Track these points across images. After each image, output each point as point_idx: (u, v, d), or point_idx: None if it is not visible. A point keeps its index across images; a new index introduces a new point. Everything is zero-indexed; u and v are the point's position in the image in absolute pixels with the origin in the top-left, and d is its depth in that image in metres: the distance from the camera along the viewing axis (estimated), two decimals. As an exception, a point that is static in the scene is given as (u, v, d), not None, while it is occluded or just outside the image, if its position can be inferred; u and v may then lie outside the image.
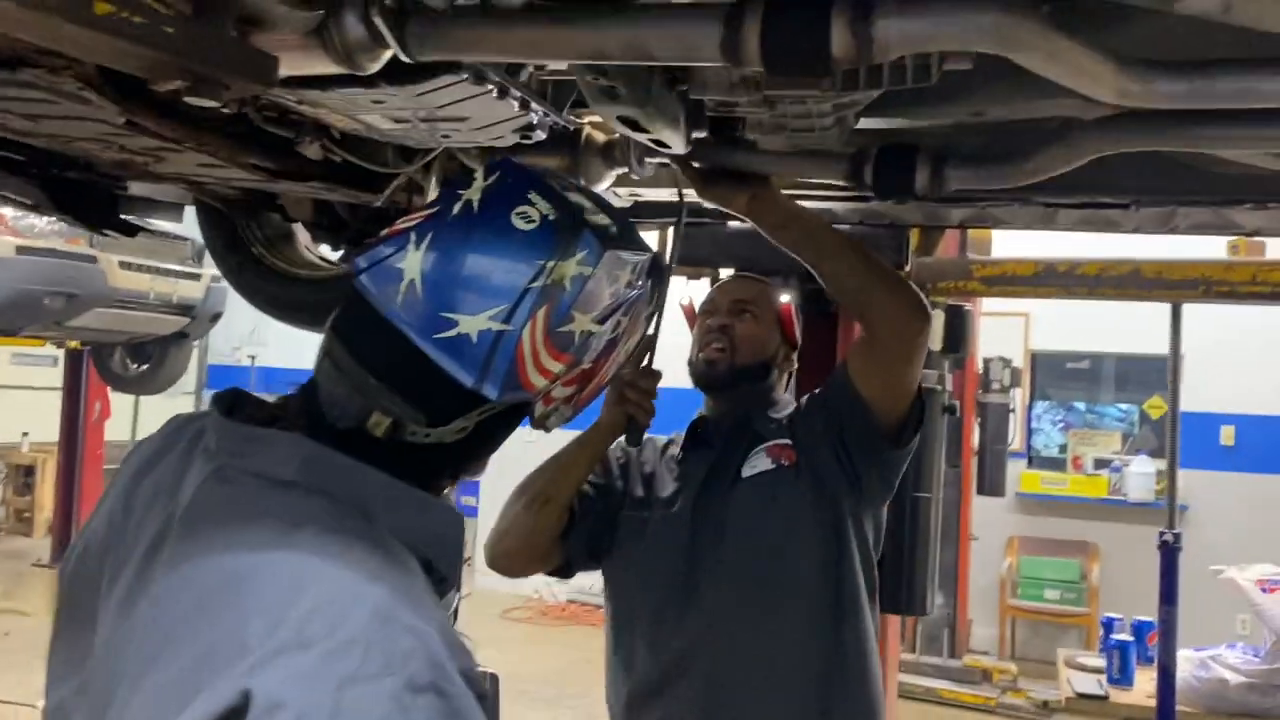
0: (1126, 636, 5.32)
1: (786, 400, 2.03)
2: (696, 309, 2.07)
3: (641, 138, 1.52)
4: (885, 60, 1.01)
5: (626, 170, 1.75)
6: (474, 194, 0.96)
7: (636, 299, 1.03)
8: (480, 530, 9.20)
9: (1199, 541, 5.91)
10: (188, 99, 1.02)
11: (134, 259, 6.70)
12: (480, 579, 8.94)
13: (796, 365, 2.09)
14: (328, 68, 1.17)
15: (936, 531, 2.88)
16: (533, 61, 1.12)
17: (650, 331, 1.58)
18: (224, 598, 0.80)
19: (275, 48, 1.12)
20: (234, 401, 1.00)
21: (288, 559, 0.81)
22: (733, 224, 2.74)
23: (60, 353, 9.13)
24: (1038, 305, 7.39)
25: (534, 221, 0.94)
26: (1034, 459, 8.03)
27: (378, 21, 1.10)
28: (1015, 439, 7.22)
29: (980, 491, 6.45)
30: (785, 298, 2.05)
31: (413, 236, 0.95)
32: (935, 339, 2.90)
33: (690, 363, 2.02)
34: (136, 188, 2.31)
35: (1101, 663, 5.40)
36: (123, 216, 2.24)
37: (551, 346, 0.95)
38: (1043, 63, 1.07)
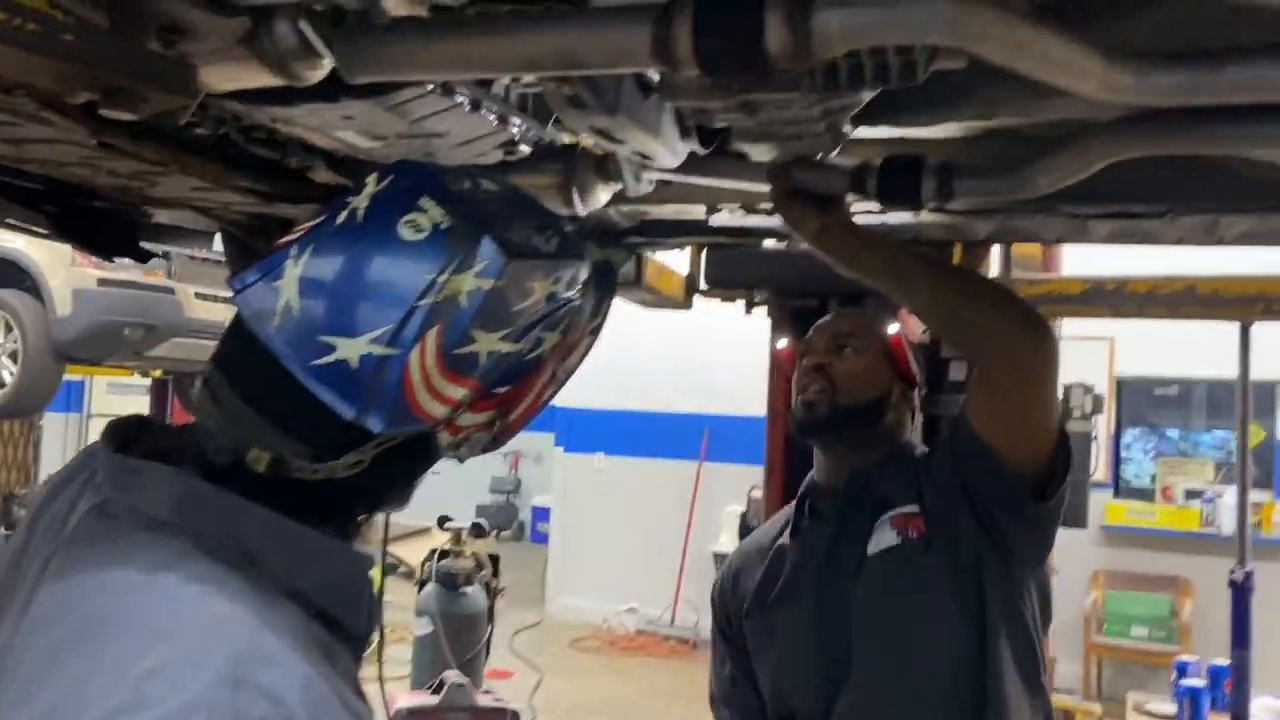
0: (1200, 681, 4.98)
1: (914, 449, 1.74)
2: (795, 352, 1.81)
3: (623, 150, 1.45)
4: (829, 56, 0.92)
5: (623, 187, 1.67)
6: (361, 201, 0.88)
7: (566, 312, 0.92)
8: (552, 559, 9.18)
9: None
10: (104, 111, 0.99)
11: (209, 290, 6.85)
12: (550, 607, 8.91)
13: (920, 405, 1.81)
14: (265, 79, 1.12)
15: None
16: (465, 77, 1.06)
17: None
18: (75, 648, 0.73)
19: (206, 59, 1.08)
20: (136, 430, 0.93)
21: (144, 608, 0.74)
22: (769, 244, 2.65)
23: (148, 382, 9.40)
24: (1122, 329, 7.10)
25: (423, 230, 0.84)
26: (1121, 489, 7.68)
27: (307, 30, 1.05)
28: (1099, 468, 6.92)
29: (1062, 524, 6.19)
30: (895, 328, 1.77)
31: (293, 251, 0.86)
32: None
33: (790, 412, 1.76)
34: (164, 215, 2.32)
35: (1172, 710, 5.07)
36: (143, 244, 2.24)
37: (448, 370, 0.85)
38: (1011, 56, 0.96)
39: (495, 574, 4.63)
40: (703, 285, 2.69)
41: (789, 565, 1.73)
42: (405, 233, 0.84)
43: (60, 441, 12.21)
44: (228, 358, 0.90)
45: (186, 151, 1.57)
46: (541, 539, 10.97)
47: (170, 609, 0.75)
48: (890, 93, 1.35)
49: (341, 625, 0.85)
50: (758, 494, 5.32)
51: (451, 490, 11.26)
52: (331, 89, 1.34)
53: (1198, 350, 6.76)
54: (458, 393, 0.86)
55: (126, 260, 6.74)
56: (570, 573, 8.95)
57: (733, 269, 2.68)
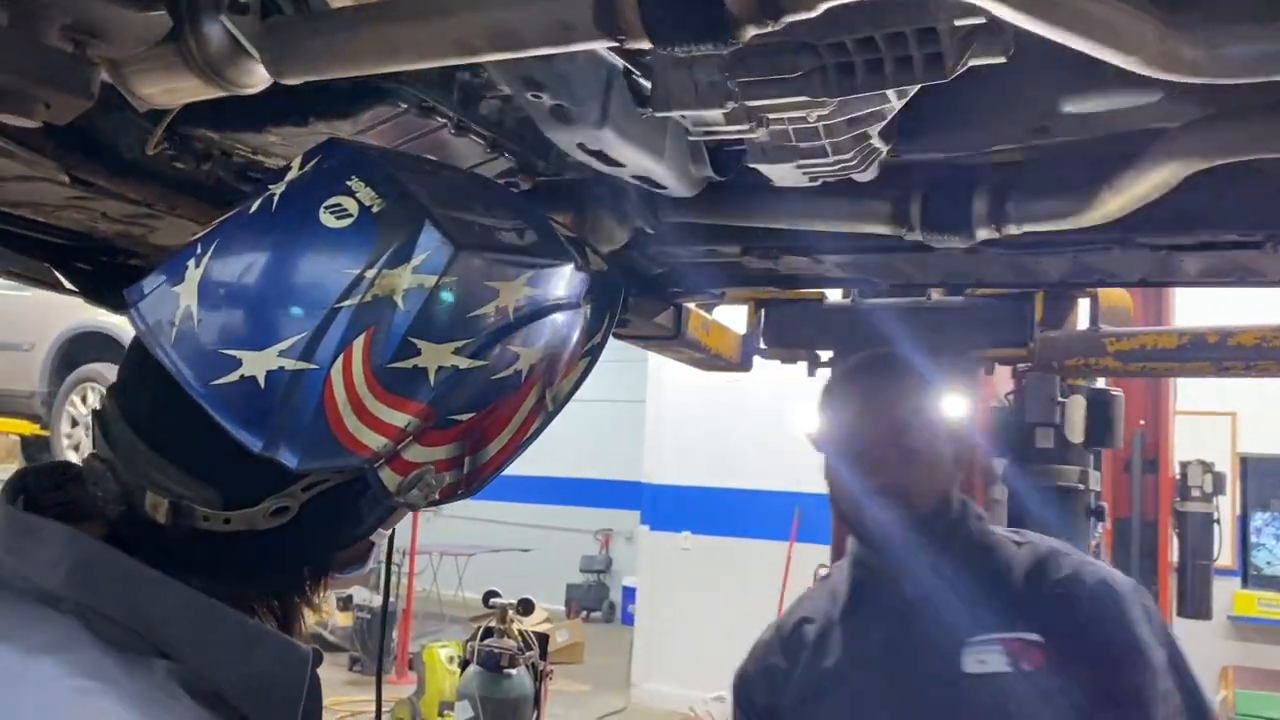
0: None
1: (1004, 548, 1.48)
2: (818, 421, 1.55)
3: (624, 175, 1.30)
4: (806, 11, 0.75)
5: (641, 225, 1.52)
6: (278, 187, 0.73)
7: (550, 325, 0.76)
8: (638, 642, 8.90)
9: None
10: (-2, 117, 0.88)
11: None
12: (635, 692, 8.60)
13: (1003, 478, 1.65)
14: (200, 88, 1.01)
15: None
16: (399, 67, 0.92)
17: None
18: None
19: (132, 65, 0.97)
20: (53, 480, 0.77)
21: (10, 702, 0.60)
22: (833, 298, 2.46)
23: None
24: (1245, 402, 6.67)
25: (349, 216, 0.69)
26: (1250, 578, 7.09)
27: (230, 25, 0.93)
28: (1223, 553, 6.40)
29: (1182, 614, 5.70)
30: (956, 394, 1.60)
31: (196, 249, 0.71)
32: (1076, 430, 2.50)
33: (845, 517, 1.52)
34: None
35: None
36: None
37: (384, 390, 0.68)
38: (1052, 21, 0.78)
39: (543, 655, 4.36)
40: (761, 344, 2.50)
41: (843, 659, 1.50)
42: (327, 219, 0.69)
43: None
44: (123, 384, 0.75)
45: (174, 191, 1.48)
46: (633, 620, 10.70)
47: (40, 708, 0.60)
48: (928, 108, 1.18)
49: None
50: (824, 571, 5.02)
51: (542, 569, 11.15)
52: (299, 109, 1.24)
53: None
54: (398, 418, 0.69)
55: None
56: (657, 657, 8.64)
57: (793, 326, 2.48)
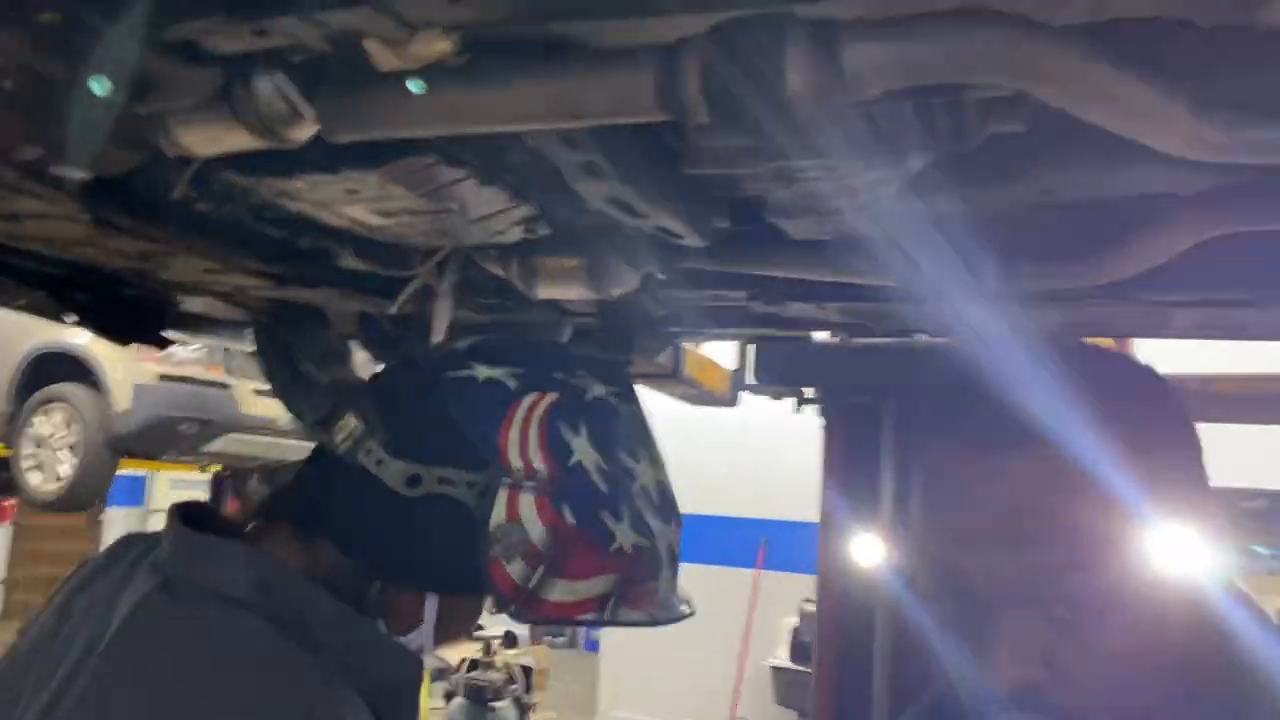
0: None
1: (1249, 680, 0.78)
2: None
3: (646, 225, 1.33)
4: (861, 97, 0.79)
5: (652, 270, 1.55)
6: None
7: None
8: (603, 669, 8.86)
9: None
10: (53, 169, 0.89)
11: (266, 386, 6.85)
12: (600, 720, 8.57)
13: None
14: (247, 141, 1.02)
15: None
16: (457, 132, 0.95)
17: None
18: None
19: (180, 118, 0.99)
20: (199, 513, 0.95)
21: (211, 700, 0.77)
22: (819, 336, 2.50)
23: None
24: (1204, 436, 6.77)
25: None
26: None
27: (285, 85, 0.95)
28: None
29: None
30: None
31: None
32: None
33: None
34: (193, 303, 2.26)
35: None
36: (166, 333, 2.17)
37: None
38: (1085, 102, 0.82)
39: (528, 688, 4.35)
40: (750, 380, 2.53)
41: None
42: None
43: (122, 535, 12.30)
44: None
45: (192, 230, 1.48)
46: (596, 647, 10.65)
47: (239, 700, 0.78)
48: (942, 164, 1.22)
49: None
50: (810, 607, 5.00)
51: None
52: (329, 157, 1.25)
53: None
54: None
55: (188, 356, 6.81)
56: (622, 684, 8.61)
57: (782, 363, 2.52)
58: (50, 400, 6.63)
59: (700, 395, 2.47)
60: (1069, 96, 0.80)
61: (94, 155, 0.89)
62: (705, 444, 7.12)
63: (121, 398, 6.55)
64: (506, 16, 0.75)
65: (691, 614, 1.04)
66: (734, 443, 7.47)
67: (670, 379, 2.16)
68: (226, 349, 6.67)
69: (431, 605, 0.93)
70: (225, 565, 0.85)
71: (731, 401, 2.57)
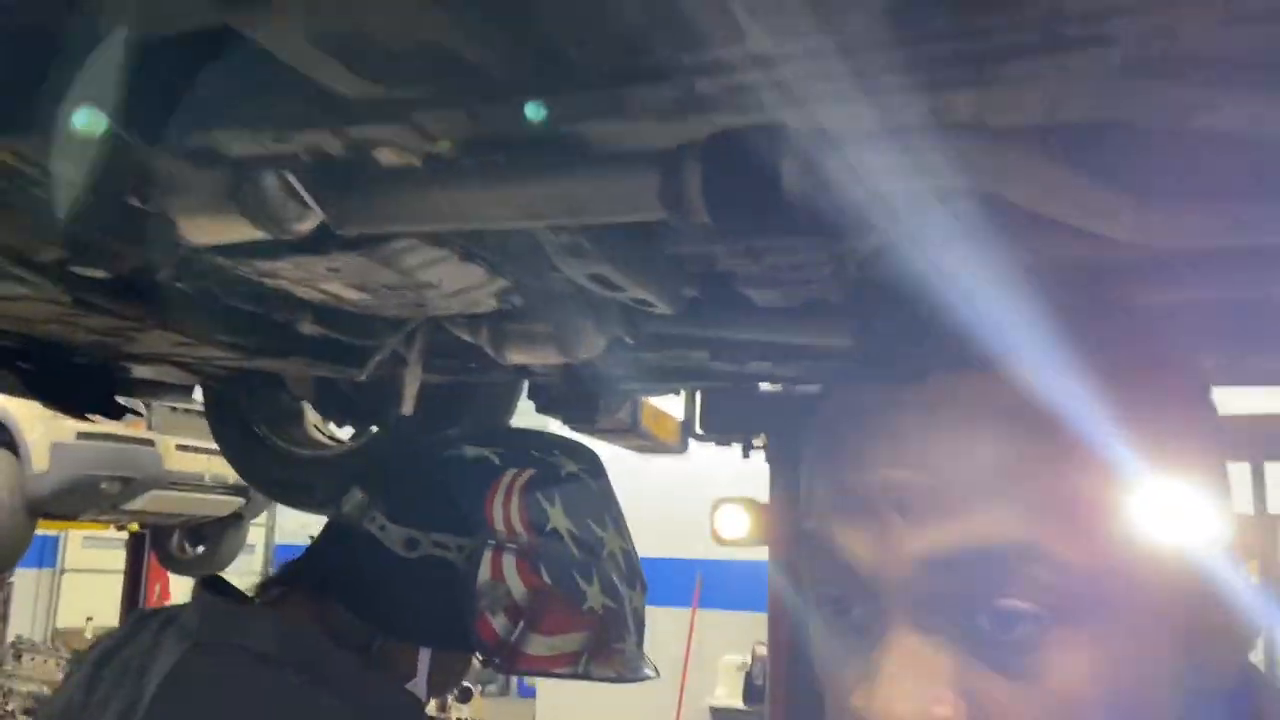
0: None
1: None
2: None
3: (621, 297, 1.39)
4: (848, 199, 0.87)
5: (620, 335, 1.61)
6: None
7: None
8: (540, 715, 8.79)
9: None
10: (75, 269, 0.92)
11: (190, 441, 6.73)
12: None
13: None
14: (250, 233, 1.06)
15: None
16: (463, 228, 1.01)
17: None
18: None
19: (189, 214, 1.03)
20: (218, 586, 1.07)
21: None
22: (766, 387, 2.58)
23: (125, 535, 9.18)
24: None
25: None
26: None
27: (293, 182, 0.99)
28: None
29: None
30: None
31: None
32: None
33: None
34: (143, 370, 2.25)
35: None
36: (118, 399, 2.16)
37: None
38: (1040, 199, 0.92)
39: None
40: (698, 429, 2.61)
41: None
42: None
43: (31, 599, 11.82)
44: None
45: (167, 308, 1.50)
46: (530, 693, 10.56)
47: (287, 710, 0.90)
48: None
49: None
50: (762, 650, 5.05)
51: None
52: (320, 241, 1.29)
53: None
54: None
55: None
56: (560, 728, 8.57)
57: (730, 412, 2.60)
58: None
59: (652, 445, 2.54)
60: (1030, 196, 0.89)
61: (115, 255, 0.92)
62: (638, 484, 7.16)
63: (38, 459, 6.36)
64: (522, 133, 0.81)
65: (656, 677, 1.14)
66: (666, 482, 7.53)
67: (629, 433, 2.22)
68: (148, 404, 6.52)
69: (424, 659, 1.04)
70: (254, 627, 0.96)
71: (682, 449, 2.64)
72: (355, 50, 0.71)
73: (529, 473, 1.08)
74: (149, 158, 0.94)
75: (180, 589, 9.81)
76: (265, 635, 0.95)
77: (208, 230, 1.07)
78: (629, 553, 1.14)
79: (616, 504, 1.16)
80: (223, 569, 8.43)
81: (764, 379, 2.05)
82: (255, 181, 1.02)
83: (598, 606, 1.04)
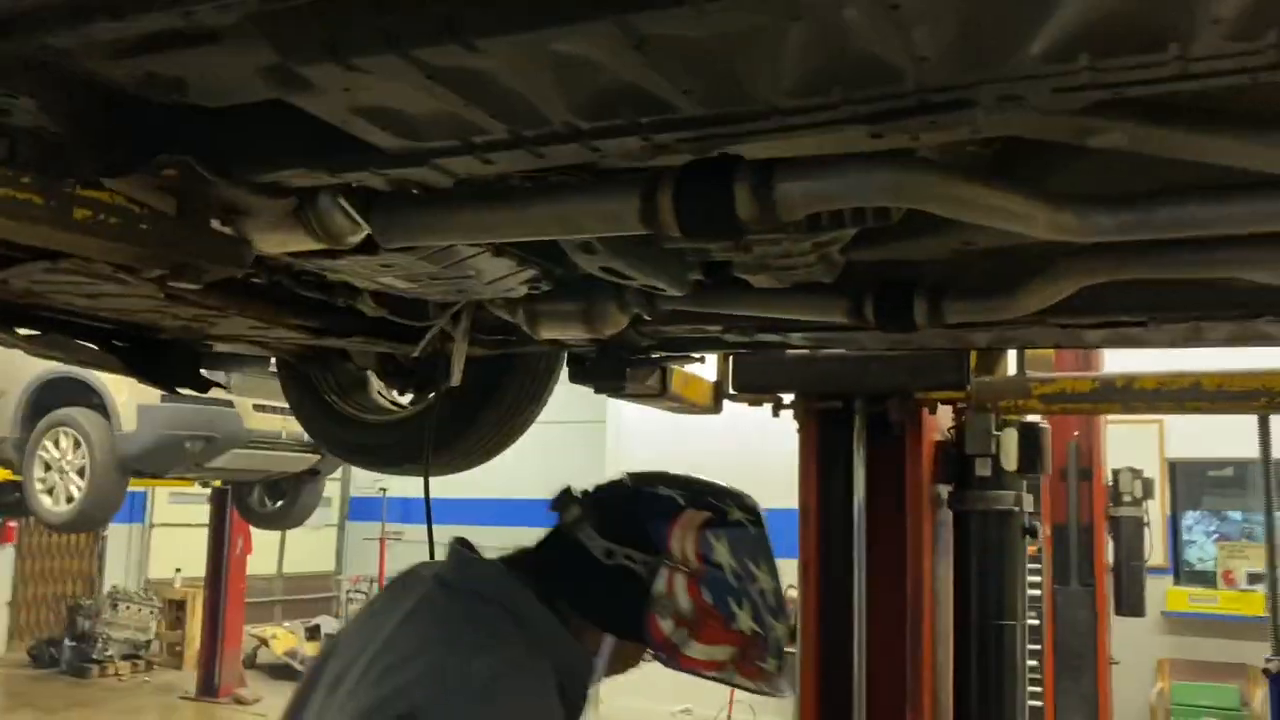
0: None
1: None
2: None
3: (633, 284, 1.59)
4: (794, 218, 1.05)
5: (639, 312, 1.81)
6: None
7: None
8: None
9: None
10: (171, 283, 1.14)
11: (267, 401, 7.09)
12: (603, 709, 8.84)
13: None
14: (311, 245, 1.28)
15: (1022, 662, 2.75)
16: (483, 240, 1.21)
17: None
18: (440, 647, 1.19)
19: (260, 232, 1.24)
20: (469, 545, 1.36)
21: (461, 650, 1.17)
22: (794, 351, 2.76)
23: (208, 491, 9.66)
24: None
25: None
26: (1182, 574, 7.54)
27: (345, 205, 1.20)
28: (1154, 553, 6.83)
29: (1119, 611, 6.10)
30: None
31: None
32: (1010, 459, 2.83)
33: None
34: (223, 346, 2.50)
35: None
36: (204, 373, 2.42)
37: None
38: (958, 210, 1.09)
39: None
40: (731, 390, 2.80)
41: None
42: None
43: (124, 552, 12.44)
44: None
45: (244, 297, 1.74)
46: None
47: (490, 646, 1.19)
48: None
49: (569, 701, 1.23)
50: (794, 593, 5.25)
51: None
52: (373, 245, 1.51)
53: (1252, 431, 6.71)
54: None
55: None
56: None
57: (759, 374, 2.79)
58: (58, 425, 6.84)
59: (687, 407, 2.74)
60: (951, 208, 1.06)
61: (203, 272, 1.14)
62: (699, 436, 7.38)
63: (126, 420, 6.75)
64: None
65: (793, 695, 1.35)
66: (729, 433, 7.71)
67: (659, 397, 2.43)
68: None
69: (608, 644, 1.30)
70: (482, 574, 1.28)
71: (715, 410, 2.84)
72: (388, 116, 0.92)
73: (705, 514, 1.31)
74: (229, 190, 1.16)
75: (261, 542, 10.26)
76: (489, 581, 1.25)
77: (277, 243, 1.29)
78: (777, 591, 1.36)
79: (770, 549, 1.38)
80: (301, 522, 8.85)
81: (778, 347, 2.23)
82: (314, 204, 1.23)
83: (745, 629, 1.28)
